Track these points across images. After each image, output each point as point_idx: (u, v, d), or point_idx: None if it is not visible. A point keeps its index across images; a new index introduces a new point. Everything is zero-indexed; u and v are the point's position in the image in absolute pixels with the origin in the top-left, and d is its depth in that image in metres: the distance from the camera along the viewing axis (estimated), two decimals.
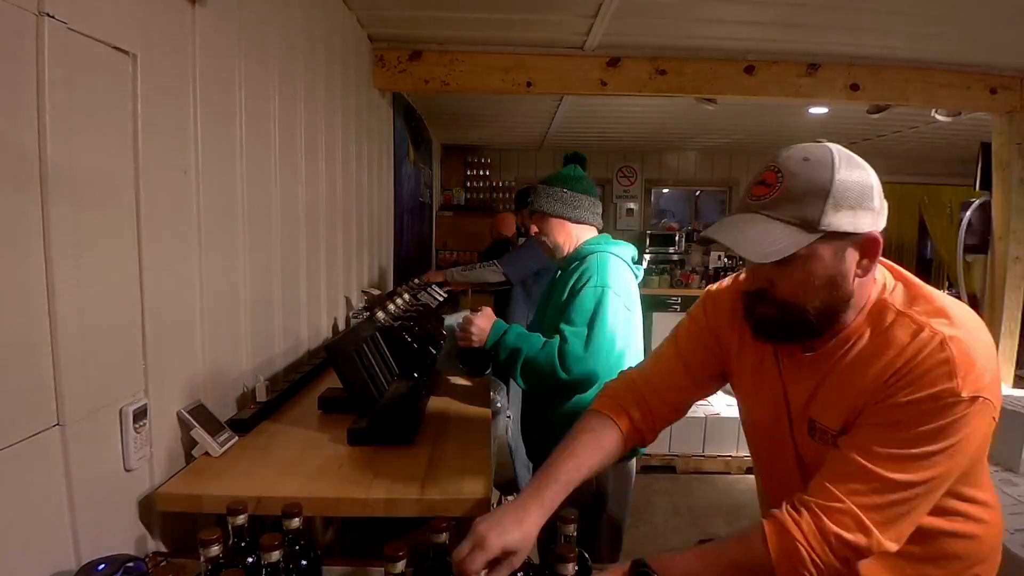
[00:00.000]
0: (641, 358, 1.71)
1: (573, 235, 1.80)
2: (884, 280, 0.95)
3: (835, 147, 0.87)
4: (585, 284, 1.65)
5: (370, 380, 1.52)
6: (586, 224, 1.81)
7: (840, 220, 0.83)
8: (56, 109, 0.91)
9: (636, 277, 1.81)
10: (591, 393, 1.64)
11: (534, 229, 1.82)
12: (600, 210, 1.84)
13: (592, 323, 1.60)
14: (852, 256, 0.87)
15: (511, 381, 2.03)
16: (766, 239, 0.85)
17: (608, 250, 1.75)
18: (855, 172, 0.85)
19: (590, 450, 1.04)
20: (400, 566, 0.79)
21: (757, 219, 0.87)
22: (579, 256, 1.76)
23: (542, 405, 1.79)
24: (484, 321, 1.71)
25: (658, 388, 1.13)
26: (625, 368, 1.54)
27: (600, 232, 1.86)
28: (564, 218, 1.78)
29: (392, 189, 3.70)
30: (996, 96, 3.29)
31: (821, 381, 0.94)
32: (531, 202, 1.84)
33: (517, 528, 0.89)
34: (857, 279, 0.89)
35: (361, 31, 2.89)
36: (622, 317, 1.66)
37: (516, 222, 4.03)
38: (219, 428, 1.34)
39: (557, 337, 1.62)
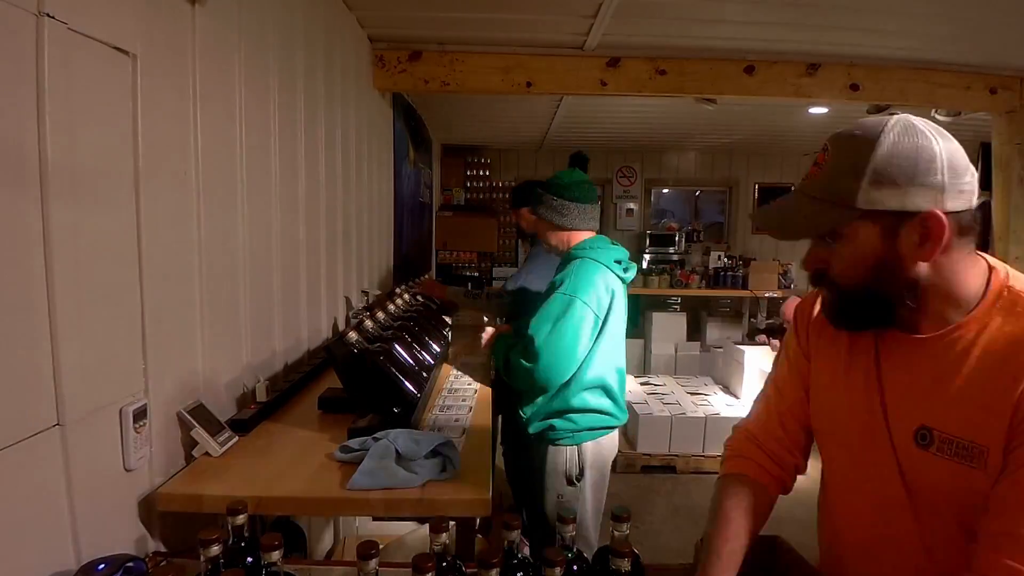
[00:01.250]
0: (617, 362, 1.90)
1: (565, 239, 1.92)
2: (994, 264, 0.82)
3: (899, 117, 0.78)
4: (556, 290, 1.76)
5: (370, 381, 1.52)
6: (576, 230, 1.91)
7: (882, 197, 0.75)
8: (56, 109, 0.91)
9: (623, 281, 1.85)
10: (559, 396, 1.82)
11: (523, 224, 2.04)
12: (594, 214, 1.93)
13: (554, 326, 1.71)
14: (909, 237, 0.76)
15: None
16: (796, 218, 0.81)
17: (590, 256, 1.81)
18: (909, 143, 0.75)
19: (738, 513, 0.94)
20: (373, 564, 0.79)
21: (799, 200, 0.82)
22: (567, 259, 1.86)
23: (514, 418, 1.94)
24: (488, 336, 2.01)
25: (772, 432, 1.02)
26: (580, 373, 1.80)
27: (597, 233, 1.94)
28: (555, 225, 1.90)
29: (392, 189, 3.70)
30: (996, 96, 3.29)
31: (939, 379, 0.79)
32: (532, 203, 1.99)
33: None
34: (926, 262, 0.77)
35: (361, 31, 2.88)
36: (588, 325, 1.74)
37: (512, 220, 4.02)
38: (219, 428, 1.34)
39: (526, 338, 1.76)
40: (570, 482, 1.85)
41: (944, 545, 0.81)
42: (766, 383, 1.08)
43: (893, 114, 0.80)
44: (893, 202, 0.75)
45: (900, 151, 0.75)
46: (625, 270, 1.87)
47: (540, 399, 1.85)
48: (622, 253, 1.89)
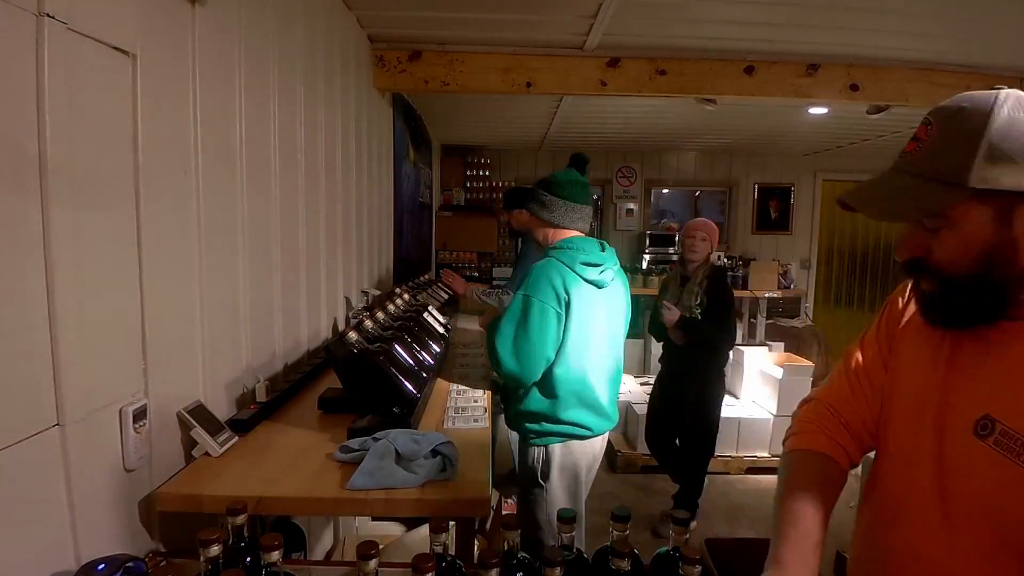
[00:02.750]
0: (595, 367, 1.84)
1: (550, 235, 1.92)
2: None
3: (1008, 91, 0.71)
4: (517, 292, 1.80)
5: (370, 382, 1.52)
6: (562, 228, 1.90)
7: (998, 175, 0.67)
8: (56, 109, 0.91)
9: (595, 284, 1.81)
10: (529, 398, 1.84)
11: (506, 217, 2.14)
12: (583, 214, 1.91)
13: (516, 330, 1.74)
14: None
15: None
16: (899, 198, 0.74)
17: (556, 255, 1.81)
18: None
19: (814, 491, 0.85)
20: (373, 564, 0.79)
21: (896, 178, 0.75)
22: (544, 257, 1.87)
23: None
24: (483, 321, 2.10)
25: (852, 406, 0.94)
26: (548, 383, 1.79)
27: (585, 235, 1.93)
28: (540, 220, 1.91)
29: (392, 189, 3.70)
30: None
31: (1013, 369, 0.72)
32: (527, 201, 2.00)
33: None
34: None
35: (361, 31, 2.88)
36: (551, 323, 1.73)
37: (503, 220, 4.08)
38: (219, 428, 1.34)
39: None
40: (535, 482, 1.86)
41: (973, 565, 0.72)
42: (846, 358, 0.98)
43: (998, 88, 0.72)
44: (1010, 180, 0.67)
45: (1018, 125, 0.68)
46: (601, 272, 1.81)
47: (519, 399, 1.87)
48: (597, 256, 1.83)
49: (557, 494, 1.85)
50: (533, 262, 1.87)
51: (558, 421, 1.82)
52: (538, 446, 1.85)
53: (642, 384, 4.52)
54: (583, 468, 1.88)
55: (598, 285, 1.82)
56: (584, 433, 1.84)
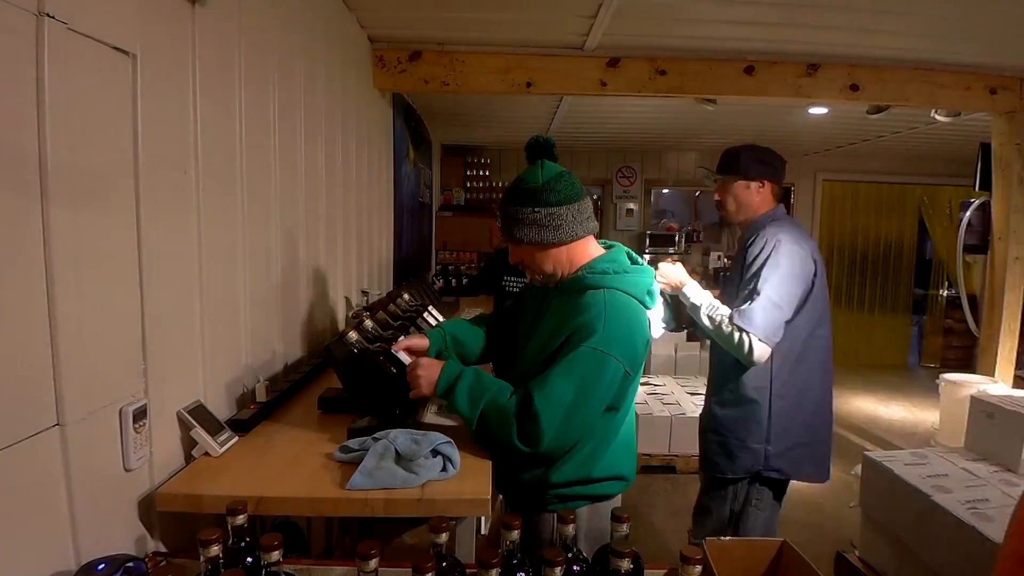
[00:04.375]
0: (626, 418, 1.44)
1: (565, 257, 1.39)
2: None
3: None
4: (580, 340, 1.28)
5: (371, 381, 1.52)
6: (576, 240, 1.38)
7: None
8: (56, 109, 0.91)
9: (649, 307, 1.41)
10: (565, 465, 1.37)
11: (513, 259, 1.45)
12: (589, 211, 1.41)
13: (576, 398, 1.26)
14: None
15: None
16: None
17: (618, 286, 1.34)
18: None
19: None
20: (373, 564, 0.79)
21: None
22: (579, 286, 1.36)
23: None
24: (427, 370, 1.37)
25: None
26: (610, 435, 1.35)
27: (598, 237, 1.46)
28: (548, 244, 1.37)
29: (392, 189, 3.70)
30: (996, 96, 3.30)
31: None
32: (501, 227, 1.44)
33: None
34: None
35: (361, 31, 2.89)
36: (616, 387, 1.32)
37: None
38: (219, 428, 1.34)
39: (515, 401, 1.29)
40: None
41: None
42: None
43: None
44: None
45: None
46: (651, 299, 1.41)
47: (546, 466, 1.39)
48: (651, 276, 1.42)
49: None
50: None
51: (590, 480, 1.40)
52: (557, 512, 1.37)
53: (642, 384, 4.53)
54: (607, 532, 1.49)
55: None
56: (618, 487, 1.46)
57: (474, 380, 1.36)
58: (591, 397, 1.28)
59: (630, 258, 1.45)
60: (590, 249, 1.43)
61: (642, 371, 1.42)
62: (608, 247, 1.46)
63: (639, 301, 1.36)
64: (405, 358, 1.45)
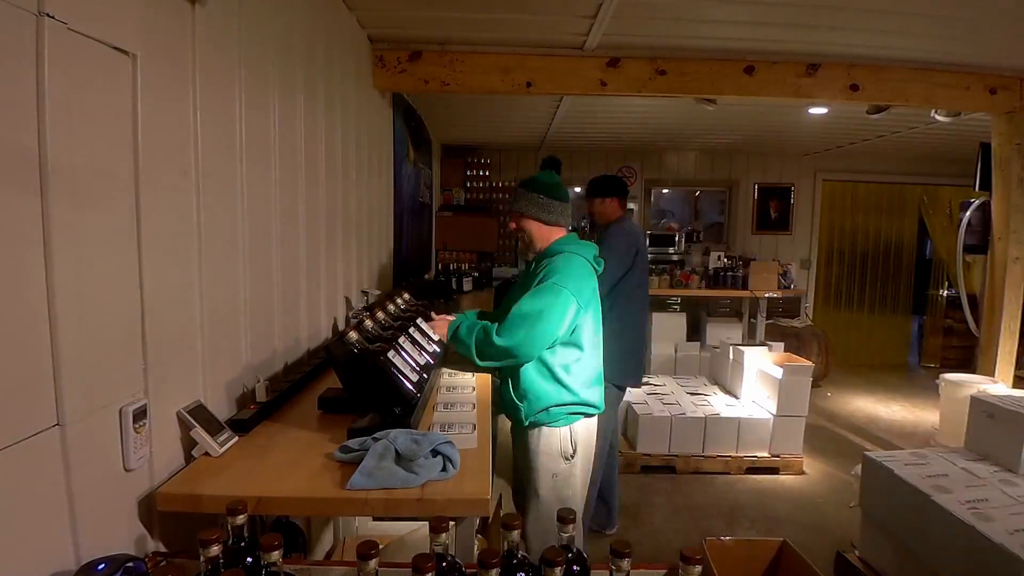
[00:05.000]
0: (596, 350, 2.03)
1: (544, 233, 2.05)
2: None
3: None
4: (546, 278, 1.89)
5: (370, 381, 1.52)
6: (557, 226, 2.05)
7: None
8: (56, 109, 0.91)
9: (596, 271, 2.04)
10: (546, 388, 1.92)
11: (512, 226, 2.09)
12: (570, 213, 2.08)
13: (542, 310, 1.84)
14: None
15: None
16: None
17: (573, 250, 1.98)
18: None
19: None
20: (373, 564, 0.79)
21: None
22: (549, 254, 2.01)
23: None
24: (441, 323, 2.11)
25: None
26: (585, 369, 1.97)
27: (569, 232, 2.11)
28: (540, 220, 2.03)
29: (392, 189, 3.69)
30: (996, 96, 3.30)
31: None
32: (512, 201, 2.10)
33: None
34: None
35: (361, 31, 2.89)
36: (569, 316, 1.88)
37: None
38: (219, 428, 1.34)
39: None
40: (565, 458, 1.97)
41: None
42: None
43: None
44: None
45: None
46: (599, 265, 2.06)
47: (541, 391, 1.93)
48: (595, 249, 2.07)
49: (579, 469, 2.00)
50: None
51: (576, 402, 1.96)
52: (561, 427, 1.96)
53: (642, 384, 4.52)
54: (594, 442, 2.08)
55: (598, 274, 2.05)
56: (595, 411, 2.03)
57: (472, 320, 2.09)
58: (551, 313, 1.85)
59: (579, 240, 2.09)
60: (561, 234, 2.08)
61: (591, 313, 1.97)
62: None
63: (587, 261, 2.00)
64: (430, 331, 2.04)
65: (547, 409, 1.94)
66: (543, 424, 1.96)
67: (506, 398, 2.00)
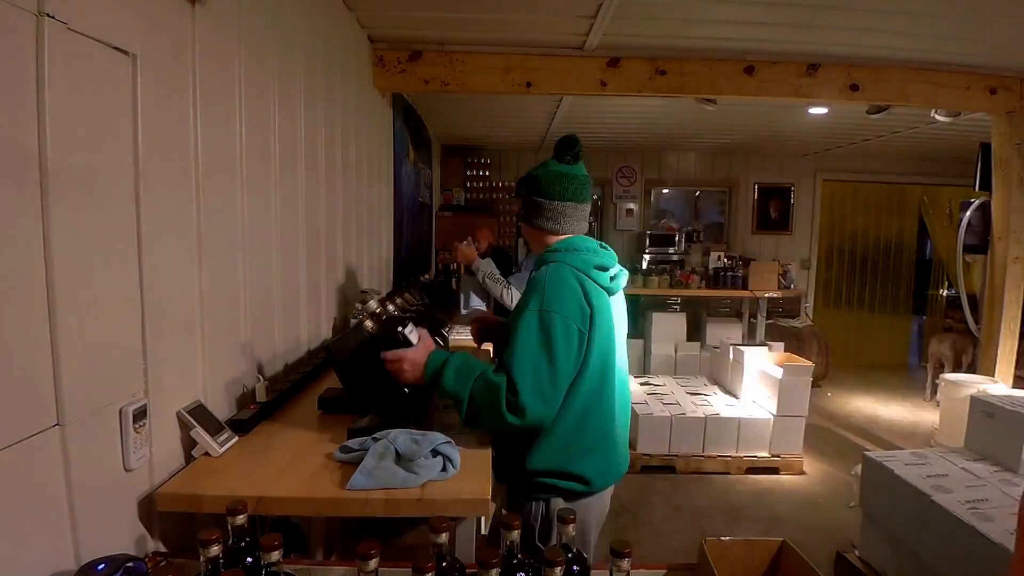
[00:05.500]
0: (613, 383, 1.48)
1: (541, 240, 1.57)
2: None
3: None
4: (526, 308, 1.39)
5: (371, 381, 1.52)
6: (552, 232, 1.55)
7: None
8: (56, 109, 0.91)
9: (610, 291, 1.49)
10: (546, 446, 1.42)
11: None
12: (576, 212, 1.55)
13: (538, 359, 1.34)
14: None
15: None
16: None
17: (563, 259, 1.46)
18: None
19: None
20: (373, 564, 0.79)
21: None
22: (541, 263, 1.51)
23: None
24: (410, 358, 1.41)
25: None
26: (568, 402, 1.39)
27: (582, 232, 1.59)
28: (531, 225, 1.58)
29: (392, 189, 3.70)
30: (996, 96, 3.30)
31: None
32: (521, 181, 1.63)
33: None
34: None
35: (361, 31, 2.89)
36: (575, 346, 1.38)
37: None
38: (219, 428, 1.34)
39: (503, 378, 1.34)
40: (528, 546, 1.42)
41: None
42: None
43: None
44: None
45: None
46: (612, 278, 1.49)
47: (534, 446, 1.44)
48: (602, 256, 1.52)
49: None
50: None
51: (563, 474, 1.44)
52: (537, 501, 1.47)
53: (642, 384, 4.52)
54: (592, 526, 1.49)
55: (610, 292, 1.48)
56: (597, 487, 1.48)
57: (462, 363, 1.41)
58: (553, 351, 1.35)
59: (600, 246, 1.57)
60: (556, 238, 1.57)
61: (606, 339, 1.45)
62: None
63: (585, 274, 1.45)
64: (414, 338, 1.45)
65: (538, 474, 1.46)
66: (529, 490, 1.52)
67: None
